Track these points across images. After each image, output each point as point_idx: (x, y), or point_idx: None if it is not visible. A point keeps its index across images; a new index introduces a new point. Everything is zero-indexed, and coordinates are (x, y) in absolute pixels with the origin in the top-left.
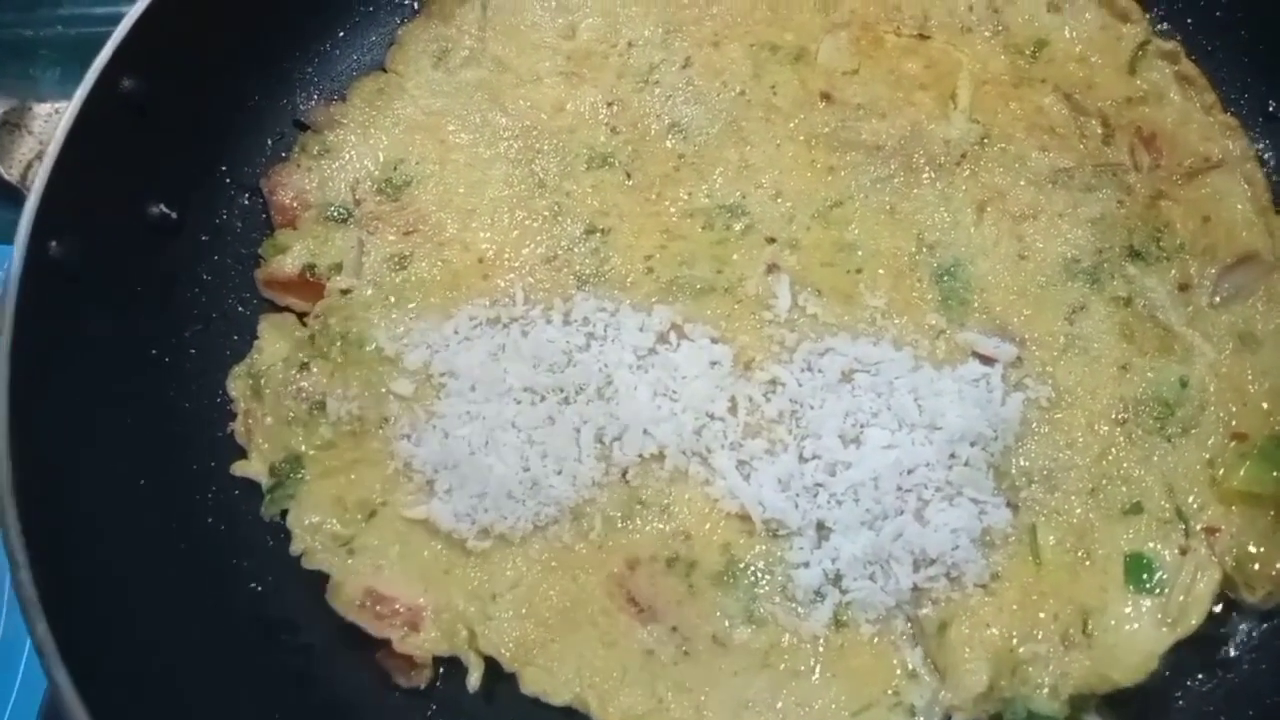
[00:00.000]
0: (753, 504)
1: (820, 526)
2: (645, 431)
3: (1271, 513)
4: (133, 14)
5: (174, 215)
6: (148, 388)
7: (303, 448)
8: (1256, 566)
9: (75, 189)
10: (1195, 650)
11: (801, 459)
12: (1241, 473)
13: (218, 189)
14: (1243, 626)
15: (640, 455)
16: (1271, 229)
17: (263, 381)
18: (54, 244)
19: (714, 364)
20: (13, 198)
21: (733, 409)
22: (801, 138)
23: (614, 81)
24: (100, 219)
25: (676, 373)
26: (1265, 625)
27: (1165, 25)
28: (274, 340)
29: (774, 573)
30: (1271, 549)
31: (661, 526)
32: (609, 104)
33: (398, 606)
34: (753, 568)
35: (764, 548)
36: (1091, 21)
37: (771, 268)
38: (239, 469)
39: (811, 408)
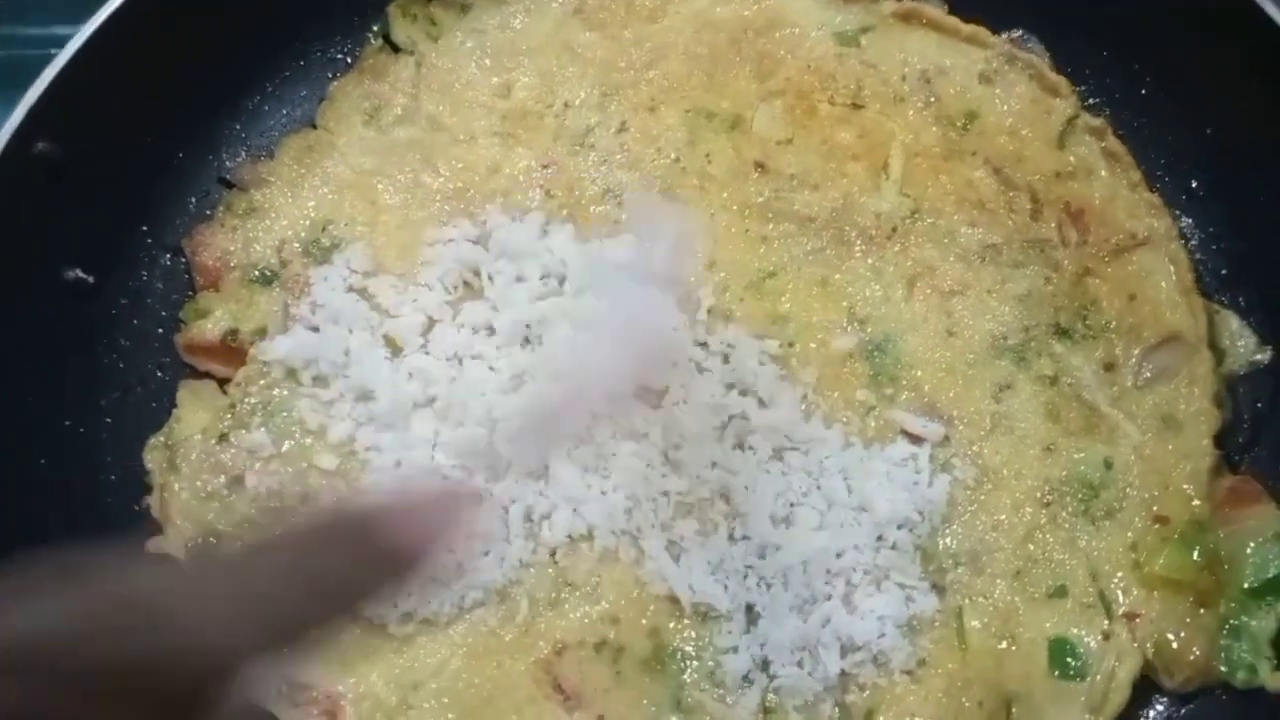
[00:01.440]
0: (682, 587)
1: (749, 610)
2: (575, 510)
3: (1191, 598)
4: (48, 73)
5: (91, 280)
6: (63, 460)
7: (220, 525)
8: (1175, 649)
9: None
10: None
11: (732, 539)
12: (1162, 559)
13: (137, 250)
14: (1161, 708)
15: (569, 535)
16: (1194, 310)
17: (179, 454)
18: None
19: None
20: None
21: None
22: (735, 207)
23: (549, 144)
24: (12, 288)
25: (607, 449)
26: (1184, 710)
27: (1093, 100)
28: (193, 409)
29: (702, 658)
30: (1190, 634)
31: (589, 609)
32: (544, 166)
33: (315, 694)
34: (681, 653)
35: (693, 632)
36: (1023, 95)
37: None
38: (154, 546)
39: (745, 487)
